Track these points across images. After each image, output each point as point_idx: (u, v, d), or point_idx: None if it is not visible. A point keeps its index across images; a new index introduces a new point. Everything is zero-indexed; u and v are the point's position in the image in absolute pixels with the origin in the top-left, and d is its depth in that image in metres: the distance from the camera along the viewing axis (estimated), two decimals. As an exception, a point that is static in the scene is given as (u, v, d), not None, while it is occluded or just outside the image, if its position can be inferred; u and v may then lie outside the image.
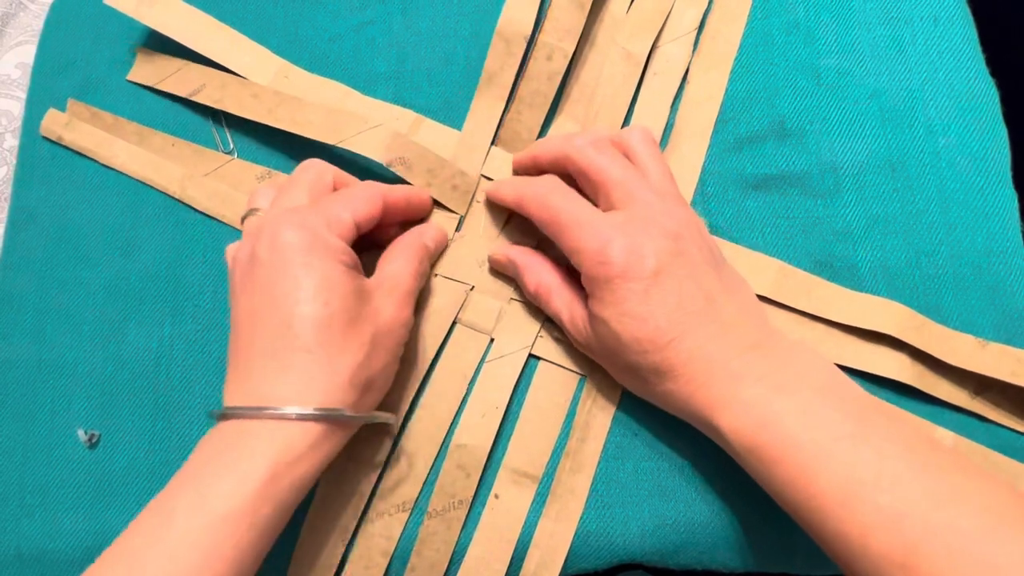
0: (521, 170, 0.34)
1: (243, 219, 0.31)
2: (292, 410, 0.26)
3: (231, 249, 0.31)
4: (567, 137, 0.32)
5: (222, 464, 0.25)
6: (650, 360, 0.28)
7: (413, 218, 0.34)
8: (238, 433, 0.26)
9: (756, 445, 0.26)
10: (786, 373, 0.27)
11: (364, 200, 0.30)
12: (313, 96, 0.36)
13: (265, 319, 0.27)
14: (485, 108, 0.35)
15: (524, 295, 0.33)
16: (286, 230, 0.27)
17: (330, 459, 0.27)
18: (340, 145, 0.34)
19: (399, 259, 0.31)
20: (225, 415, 0.27)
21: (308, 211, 0.28)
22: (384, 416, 0.30)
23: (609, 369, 0.31)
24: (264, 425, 0.26)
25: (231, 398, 0.27)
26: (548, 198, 0.30)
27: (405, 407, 0.32)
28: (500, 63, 0.35)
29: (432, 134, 0.36)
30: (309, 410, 0.26)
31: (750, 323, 0.28)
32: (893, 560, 0.22)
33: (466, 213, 0.35)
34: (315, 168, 0.31)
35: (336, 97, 0.36)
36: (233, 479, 0.25)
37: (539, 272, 0.32)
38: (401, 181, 0.34)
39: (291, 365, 0.26)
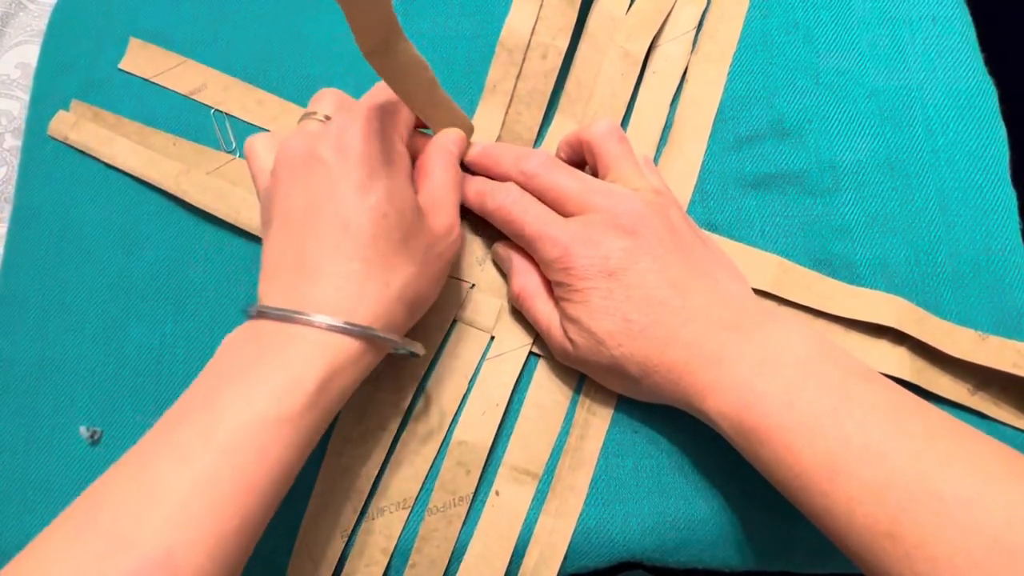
0: (474, 170, 0.34)
1: (300, 120, 0.30)
2: (347, 324, 0.25)
3: (264, 140, 0.30)
4: (516, 158, 0.32)
5: (273, 366, 0.25)
6: (627, 352, 0.28)
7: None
8: (285, 336, 0.25)
9: (742, 427, 0.26)
10: (765, 350, 0.27)
11: (405, 110, 0.30)
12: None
13: (323, 221, 0.27)
14: (488, 115, 0.36)
15: (509, 296, 0.33)
16: (356, 135, 0.27)
17: (365, 375, 0.27)
18: None
19: (436, 172, 0.30)
20: (269, 314, 0.26)
21: (377, 118, 0.28)
22: (419, 347, 0.29)
23: (593, 374, 0.31)
24: (312, 331, 0.25)
25: (274, 298, 0.26)
26: (510, 211, 0.31)
27: (406, 404, 0.32)
28: (503, 72, 0.35)
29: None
30: (361, 326, 0.26)
31: (725, 304, 0.29)
32: (878, 530, 0.23)
33: (466, 212, 0.35)
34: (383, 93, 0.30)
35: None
36: (285, 382, 0.24)
37: (524, 276, 0.32)
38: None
39: (345, 274, 0.26)
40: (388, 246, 0.27)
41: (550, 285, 0.31)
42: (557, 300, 0.30)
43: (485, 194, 0.32)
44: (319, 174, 0.27)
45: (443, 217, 0.29)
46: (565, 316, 0.30)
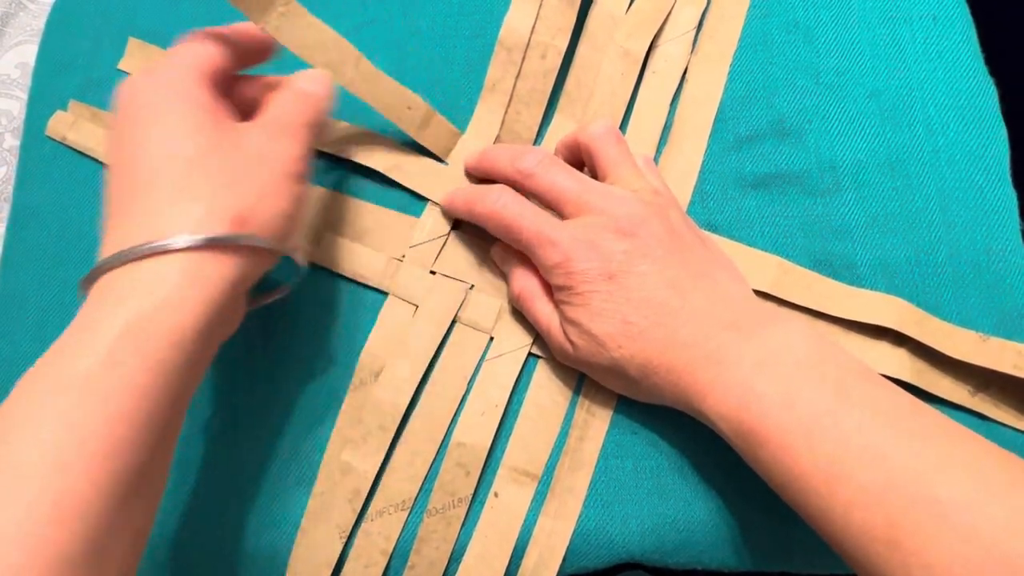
0: (474, 176, 0.35)
1: None
2: (133, 249, 0.23)
3: None
4: (513, 157, 0.32)
5: (77, 326, 0.23)
6: (627, 354, 0.28)
7: (255, 59, 0.31)
8: (96, 294, 0.24)
9: (741, 428, 0.26)
10: (765, 350, 0.27)
11: (209, 45, 0.28)
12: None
13: (119, 175, 0.26)
14: (487, 114, 0.36)
15: (508, 296, 0.33)
16: (128, 83, 0.27)
17: (212, 305, 0.24)
18: (342, 155, 0.35)
19: (278, 100, 0.29)
20: (86, 279, 0.25)
21: (163, 64, 0.27)
22: (253, 239, 0.26)
23: (593, 374, 0.31)
24: (117, 276, 0.24)
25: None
26: (503, 216, 0.30)
27: (404, 404, 0.32)
28: (502, 71, 0.35)
29: (439, 130, 0.35)
30: (139, 242, 0.23)
31: (725, 305, 0.28)
32: (876, 536, 0.23)
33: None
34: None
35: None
36: (85, 336, 0.23)
37: (524, 277, 0.32)
38: (399, 187, 0.35)
39: (137, 209, 0.25)
40: (182, 170, 0.25)
41: (548, 288, 0.31)
42: (557, 303, 0.30)
43: (474, 200, 0.32)
44: (115, 137, 0.26)
45: (263, 136, 0.27)
46: (565, 318, 0.30)
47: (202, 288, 0.24)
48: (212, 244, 0.24)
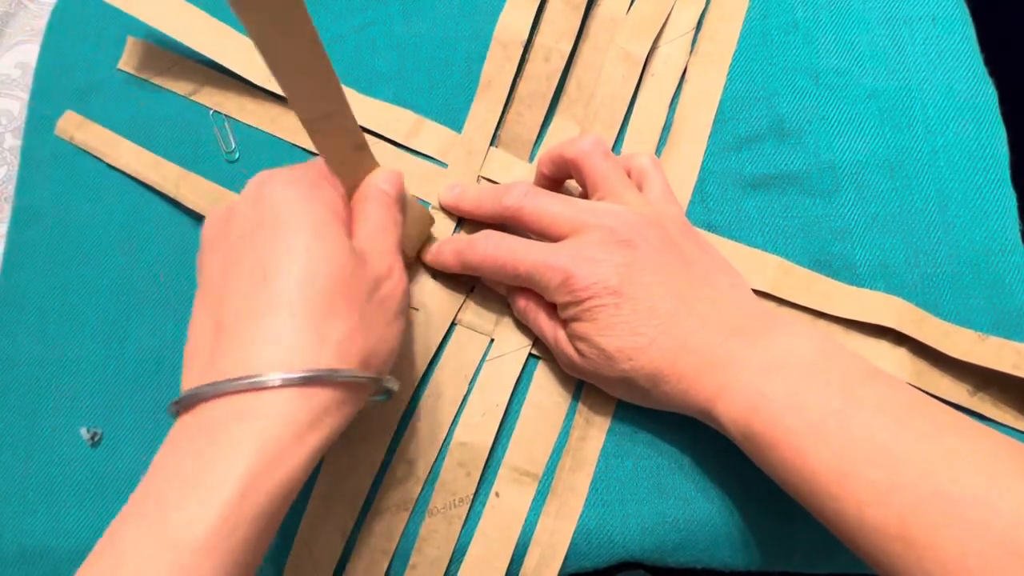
0: (455, 213, 0.34)
1: None
2: (275, 376, 0.21)
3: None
4: (496, 195, 0.31)
5: (184, 478, 0.21)
6: (637, 366, 0.28)
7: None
8: (203, 431, 0.22)
9: (751, 431, 0.26)
10: (771, 354, 0.27)
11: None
12: None
13: (239, 276, 0.23)
14: (484, 111, 0.36)
15: (513, 310, 0.33)
16: (273, 182, 0.25)
17: (317, 455, 0.23)
18: None
19: (370, 213, 0.27)
20: (186, 402, 0.22)
21: (299, 167, 0.26)
22: (386, 379, 0.25)
23: (602, 385, 0.31)
24: (235, 412, 0.21)
25: (191, 380, 0.23)
26: (497, 256, 0.30)
27: (405, 405, 0.32)
28: (498, 68, 0.35)
29: (432, 135, 0.36)
30: (295, 374, 0.21)
31: (730, 309, 0.29)
32: (889, 533, 0.23)
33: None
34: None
35: None
36: (197, 500, 0.20)
37: (526, 292, 0.32)
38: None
39: (269, 329, 0.22)
40: (318, 295, 0.23)
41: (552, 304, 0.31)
42: (564, 321, 0.30)
43: (464, 251, 0.32)
44: (236, 229, 0.24)
45: (380, 261, 0.26)
46: (573, 334, 0.29)
47: (315, 436, 0.22)
48: (329, 380, 0.22)
